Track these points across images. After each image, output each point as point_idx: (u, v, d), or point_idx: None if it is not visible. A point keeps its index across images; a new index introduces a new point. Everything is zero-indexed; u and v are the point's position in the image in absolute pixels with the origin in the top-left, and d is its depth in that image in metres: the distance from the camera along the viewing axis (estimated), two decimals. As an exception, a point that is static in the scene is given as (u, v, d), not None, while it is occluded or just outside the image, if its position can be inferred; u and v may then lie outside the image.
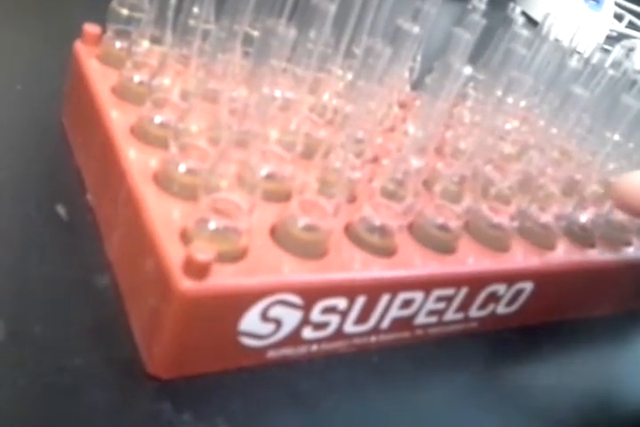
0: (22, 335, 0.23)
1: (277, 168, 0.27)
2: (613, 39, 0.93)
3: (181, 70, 0.28)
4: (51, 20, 0.44)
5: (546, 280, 0.32)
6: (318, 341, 0.26)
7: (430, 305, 0.28)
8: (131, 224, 0.25)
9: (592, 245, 0.35)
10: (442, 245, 0.29)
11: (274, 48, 0.23)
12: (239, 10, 0.25)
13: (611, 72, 0.38)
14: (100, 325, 0.25)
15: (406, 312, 0.28)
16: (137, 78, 0.30)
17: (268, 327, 0.24)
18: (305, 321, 0.25)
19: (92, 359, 0.23)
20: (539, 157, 0.33)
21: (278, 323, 0.24)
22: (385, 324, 0.28)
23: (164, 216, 0.24)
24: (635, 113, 0.34)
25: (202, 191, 0.23)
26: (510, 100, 0.33)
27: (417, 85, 0.37)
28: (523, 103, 0.37)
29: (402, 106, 0.37)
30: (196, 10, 0.27)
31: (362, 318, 0.27)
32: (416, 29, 0.28)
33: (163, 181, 0.25)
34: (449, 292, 0.28)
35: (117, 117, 0.28)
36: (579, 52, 0.41)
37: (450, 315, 0.30)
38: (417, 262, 0.28)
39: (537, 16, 0.89)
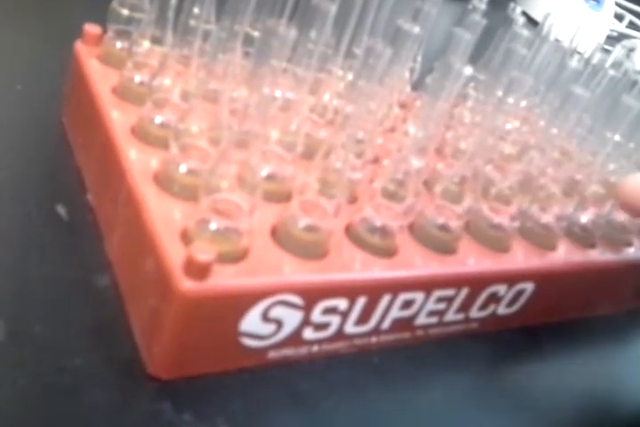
0: (22, 335, 0.23)
1: (278, 168, 0.27)
2: (614, 39, 0.93)
3: (182, 71, 0.28)
4: (51, 20, 0.44)
5: (546, 281, 0.32)
6: (319, 341, 0.26)
7: (431, 306, 0.28)
8: (131, 224, 0.25)
9: (593, 246, 0.35)
10: (442, 245, 0.29)
11: (274, 48, 0.23)
12: (240, 10, 0.25)
13: (611, 72, 0.38)
14: (100, 325, 0.25)
15: (407, 313, 0.28)
16: (137, 78, 0.30)
17: (268, 328, 0.24)
18: (306, 322, 0.25)
19: (92, 359, 0.23)
20: (539, 157, 0.33)
21: (279, 323, 0.24)
22: (385, 324, 0.28)
23: (165, 217, 0.24)
24: (635, 113, 0.34)
25: (202, 192, 0.23)
26: (511, 100, 0.33)
27: (417, 86, 0.37)
28: (523, 103, 0.37)
29: (402, 106, 0.37)
30: (196, 10, 0.27)
31: (362, 318, 0.27)
32: (416, 30, 0.28)
33: (163, 181, 0.25)
34: (449, 292, 0.28)
35: (118, 118, 0.28)
36: (579, 53, 0.41)
37: (450, 315, 0.30)
38: (418, 263, 0.28)
39: (537, 16, 0.89)
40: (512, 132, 0.36)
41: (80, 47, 0.32)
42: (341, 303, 0.25)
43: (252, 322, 0.23)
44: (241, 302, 0.23)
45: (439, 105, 0.27)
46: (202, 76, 0.27)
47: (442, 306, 0.29)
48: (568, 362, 0.34)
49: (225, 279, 0.22)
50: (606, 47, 0.69)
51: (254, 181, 0.24)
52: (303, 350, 0.26)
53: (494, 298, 0.30)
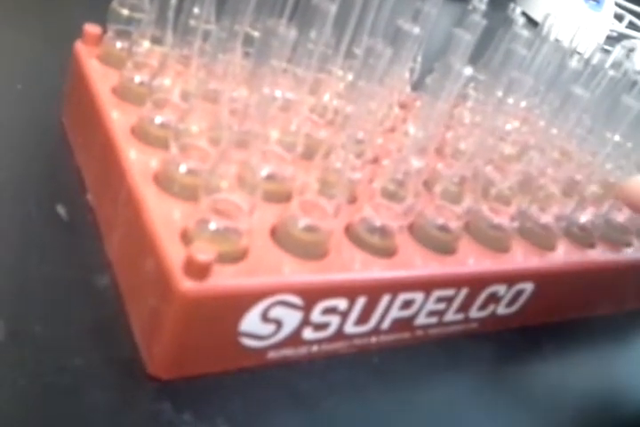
0: (22, 335, 0.23)
1: (278, 169, 0.27)
2: (614, 39, 0.93)
3: (182, 71, 0.28)
4: (51, 20, 0.44)
5: (546, 281, 0.32)
6: (319, 341, 0.26)
7: (430, 306, 0.28)
8: (131, 224, 0.25)
9: (592, 246, 0.35)
10: (442, 245, 0.29)
11: (274, 48, 0.23)
12: (240, 10, 0.25)
13: (611, 72, 0.38)
14: (100, 325, 0.25)
15: (407, 313, 0.28)
16: (137, 79, 0.30)
17: (268, 328, 0.24)
18: (305, 322, 0.25)
19: (92, 359, 0.23)
20: (539, 157, 0.33)
21: (279, 324, 0.24)
22: (385, 324, 0.28)
23: (165, 217, 0.24)
24: (635, 114, 0.34)
25: (202, 192, 0.23)
26: (511, 100, 0.33)
27: (417, 86, 0.37)
28: (523, 104, 0.37)
29: (402, 106, 0.37)
30: (196, 10, 0.27)
31: (362, 318, 0.27)
32: (416, 30, 0.28)
33: (163, 181, 0.25)
34: (449, 292, 0.28)
35: (118, 118, 0.28)
36: (579, 53, 0.41)
37: (450, 316, 0.30)
38: (417, 263, 0.28)
39: (537, 16, 0.89)
40: (512, 132, 0.36)
41: (80, 47, 0.32)
42: (341, 303, 0.25)
43: (251, 322, 0.23)
44: (241, 302, 0.23)
45: (439, 105, 0.27)
46: (202, 76, 0.27)
47: (441, 306, 0.29)
48: (568, 362, 0.34)
49: (225, 279, 0.22)
50: (606, 47, 0.69)
51: (254, 181, 0.24)
52: (303, 351, 0.26)
53: (494, 298, 0.30)
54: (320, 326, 0.26)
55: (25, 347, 0.23)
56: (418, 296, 0.27)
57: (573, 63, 0.39)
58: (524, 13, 0.48)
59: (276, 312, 0.24)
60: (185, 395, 0.23)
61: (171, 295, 0.22)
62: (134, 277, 0.25)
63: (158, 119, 0.28)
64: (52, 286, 0.25)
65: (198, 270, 0.21)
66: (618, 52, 0.40)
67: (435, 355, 0.30)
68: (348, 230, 0.27)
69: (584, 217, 0.35)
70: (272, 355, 0.26)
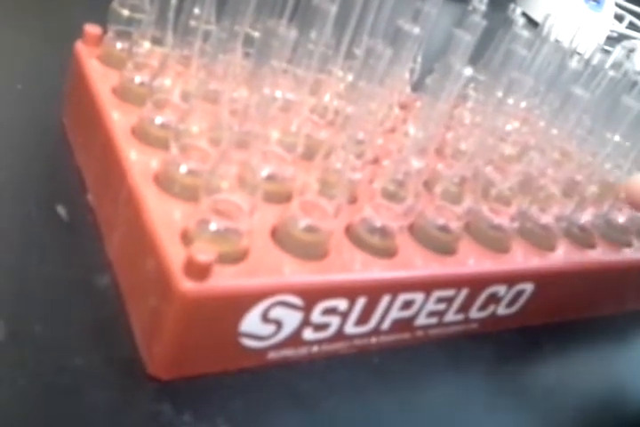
0: (22, 335, 0.23)
1: (278, 169, 0.27)
2: (614, 40, 0.93)
3: (182, 71, 0.28)
4: (51, 20, 0.44)
5: (546, 281, 0.32)
6: (319, 342, 0.26)
7: (431, 306, 0.28)
8: (131, 225, 0.25)
9: (592, 246, 0.35)
10: (442, 246, 0.29)
11: (274, 49, 0.23)
12: (240, 10, 0.25)
13: (611, 73, 0.38)
14: (100, 325, 0.25)
15: (407, 313, 0.28)
16: (138, 79, 0.30)
17: (268, 328, 0.24)
18: (305, 322, 0.25)
19: (92, 359, 0.23)
20: (539, 157, 0.33)
21: (279, 324, 0.24)
22: (385, 325, 0.28)
23: (165, 217, 0.24)
24: (635, 114, 0.34)
25: (203, 192, 0.23)
26: (511, 101, 0.33)
27: (417, 86, 0.37)
28: (523, 104, 0.37)
29: (402, 107, 0.37)
30: (196, 11, 0.27)
31: (362, 319, 0.27)
32: (417, 30, 0.28)
33: (163, 181, 0.25)
34: (449, 293, 0.28)
35: (118, 118, 0.28)
36: (579, 53, 0.41)
37: (450, 316, 0.30)
38: (417, 263, 0.28)
39: (537, 17, 0.89)
40: (512, 132, 0.36)
41: (80, 47, 0.32)
42: (341, 304, 0.25)
43: (251, 322, 0.23)
44: (241, 302, 0.23)
45: (439, 106, 0.27)
46: (202, 76, 0.27)
47: (442, 306, 0.29)
48: (568, 362, 0.34)
49: (225, 280, 0.22)
50: (606, 48, 0.69)
51: (254, 181, 0.24)
52: (303, 351, 0.26)
53: (494, 298, 0.30)
54: (320, 327, 0.26)
55: (25, 347, 0.23)
56: (418, 297, 0.27)
57: (573, 64, 0.39)
58: (524, 14, 0.48)
59: (277, 313, 0.24)
60: (185, 395, 0.23)
61: (171, 296, 0.22)
62: (134, 277, 0.25)
63: (159, 120, 0.28)
64: (52, 285, 0.25)
65: (198, 271, 0.21)
66: (618, 52, 0.40)
67: (435, 355, 0.30)
68: (349, 231, 0.27)
69: (584, 217, 0.35)
70: (272, 355, 0.26)
